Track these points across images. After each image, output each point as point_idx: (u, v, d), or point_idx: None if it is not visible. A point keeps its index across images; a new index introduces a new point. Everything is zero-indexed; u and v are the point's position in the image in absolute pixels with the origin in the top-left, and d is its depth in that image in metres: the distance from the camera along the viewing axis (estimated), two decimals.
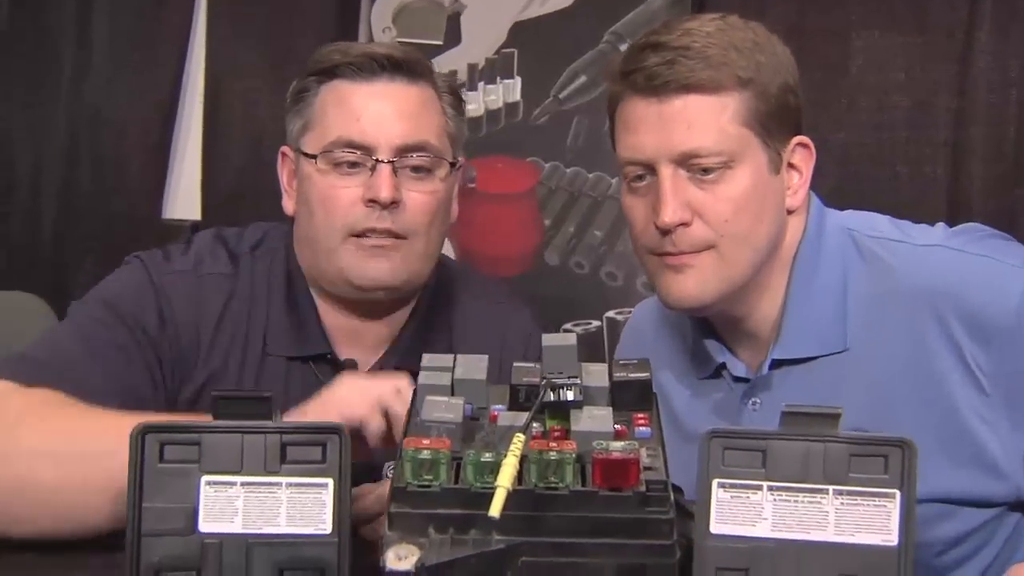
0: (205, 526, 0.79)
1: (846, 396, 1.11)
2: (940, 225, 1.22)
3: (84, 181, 3.35)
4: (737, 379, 1.21)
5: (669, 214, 1.11)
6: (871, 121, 2.64)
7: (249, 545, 0.79)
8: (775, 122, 1.14)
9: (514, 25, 2.84)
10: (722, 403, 1.22)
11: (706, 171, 1.11)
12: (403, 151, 1.25)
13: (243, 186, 3.16)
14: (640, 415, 0.82)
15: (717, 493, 0.79)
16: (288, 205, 1.33)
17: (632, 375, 0.83)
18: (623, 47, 2.59)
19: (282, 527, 0.79)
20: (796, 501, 0.79)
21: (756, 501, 0.79)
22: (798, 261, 1.18)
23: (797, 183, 1.18)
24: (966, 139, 2.56)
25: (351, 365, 1.31)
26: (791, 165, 1.18)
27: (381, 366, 1.30)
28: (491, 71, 2.87)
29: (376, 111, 1.25)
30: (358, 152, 1.24)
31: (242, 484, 0.80)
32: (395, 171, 1.24)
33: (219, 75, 3.19)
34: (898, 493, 0.78)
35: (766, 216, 1.15)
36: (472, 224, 2.67)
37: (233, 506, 0.79)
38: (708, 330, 1.23)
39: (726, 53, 1.11)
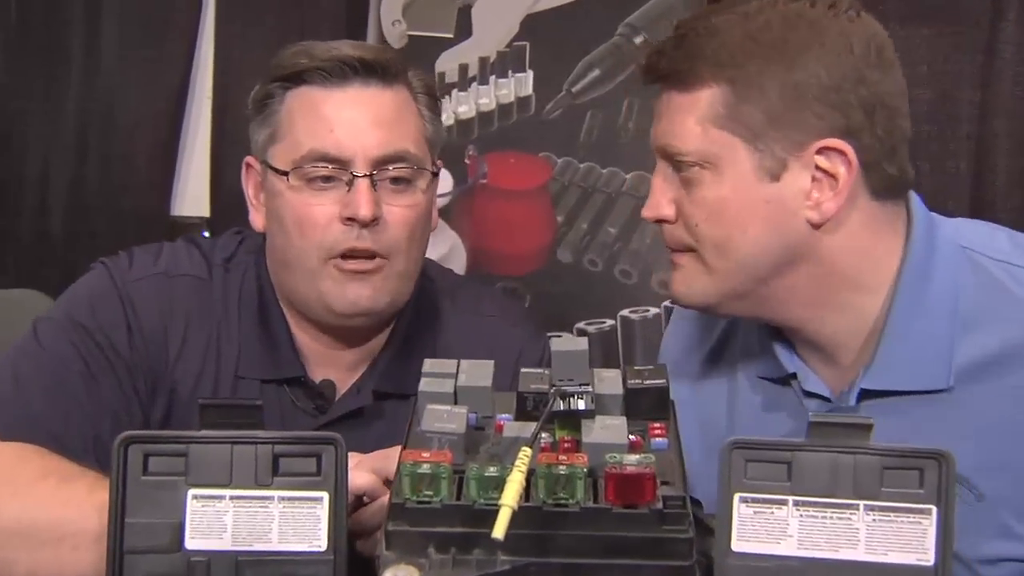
0: (192, 543, 0.76)
1: (947, 442, 1.03)
2: None
3: (93, 178, 3.36)
4: (809, 395, 1.11)
5: (648, 209, 1.10)
6: None
7: (239, 563, 0.77)
8: (774, 124, 1.02)
9: (526, 17, 2.82)
10: (787, 416, 1.13)
11: (681, 167, 1.06)
12: (381, 163, 1.18)
13: None
14: (656, 425, 0.79)
15: (739, 508, 0.76)
16: (257, 220, 1.26)
17: (648, 382, 0.80)
18: (638, 40, 2.56)
19: (274, 544, 0.77)
20: (824, 517, 0.76)
21: (781, 517, 0.76)
22: (903, 281, 1.06)
23: (824, 194, 1.04)
24: (990, 133, 2.52)
25: (328, 386, 1.25)
26: (822, 170, 1.04)
27: (359, 388, 1.25)
28: (502, 64, 2.85)
29: (350, 120, 1.18)
30: (333, 166, 1.17)
31: (231, 498, 0.77)
32: (374, 185, 1.17)
33: (228, 71, 3.20)
34: (935, 509, 0.75)
35: (753, 228, 1.05)
36: (483, 221, 2.65)
37: (222, 521, 0.77)
38: (780, 336, 1.14)
39: (719, 46, 1.03)
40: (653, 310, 2.49)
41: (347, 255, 1.17)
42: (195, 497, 0.76)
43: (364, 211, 1.15)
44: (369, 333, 1.26)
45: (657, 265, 2.59)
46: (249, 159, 1.26)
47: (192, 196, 3.27)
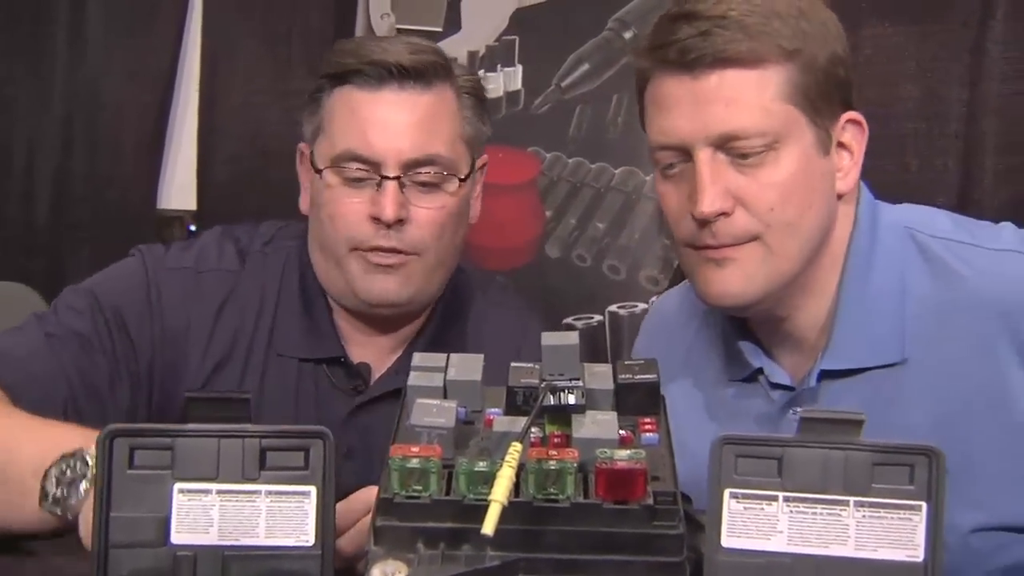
0: (178, 537, 0.75)
1: (905, 413, 1.06)
2: (1007, 225, 1.14)
3: (79, 171, 3.36)
4: (775, 386, 1.13)
5: (708, 204, 1.04)
6: (881, 112, 2.61)
7: (225, 558, 0.76)
8: (823, 97, 1.05)
9: (515, 11, 2.82)
10: (758, 410, 1.15)
11: (747, 155, 1.04)
12: (411, 166, 1.22)
13: (239, 177, 3.16)
14: (647, 420, 0.78)
15: (729, 504, 0.76)
16: (304, 203, 1.31)
17: (639, 377, 0.80)
18: (627, 35, 2.56)
19: (261, 539, 0.76)
20: (814, 513, 0.76)
21: (771, 513, 0.76)
22: (851, 258, 1.10)
23: (848, 164, 1.09)
24: (977, 131, 2.55)
25: (364, 369, 1.28)
26: (841, 144, 1.09)
27: (396, 371, 1.28)
28: (492, 59, 2.85)
29: (383, 123, 1.22)
30: (364, 167, 1.22)
31: (218, 492, 0.76)
32: (402, 187, 1.21)
33: (216, 63, 3.19)
34: (925, 505, 0.75)
35: (815, 202, 1.06)
36: None
37: (208, 516, 0.76)
38: (744, 330, 1.16)
39: (767, 22, 1.03)
40: (641, 305, 2.50)
41: (373, 250, 1.22)
42: (181, 491, 0.75)
43: (389, 212, 1.19)
44: (403, 320, 1.30)
45: (645, 261, 2.60)
46: (302, 146, 1.31)
47: (179, 188, 3.26)
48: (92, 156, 3.34)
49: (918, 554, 0.75)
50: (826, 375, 1.09)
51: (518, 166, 2.81)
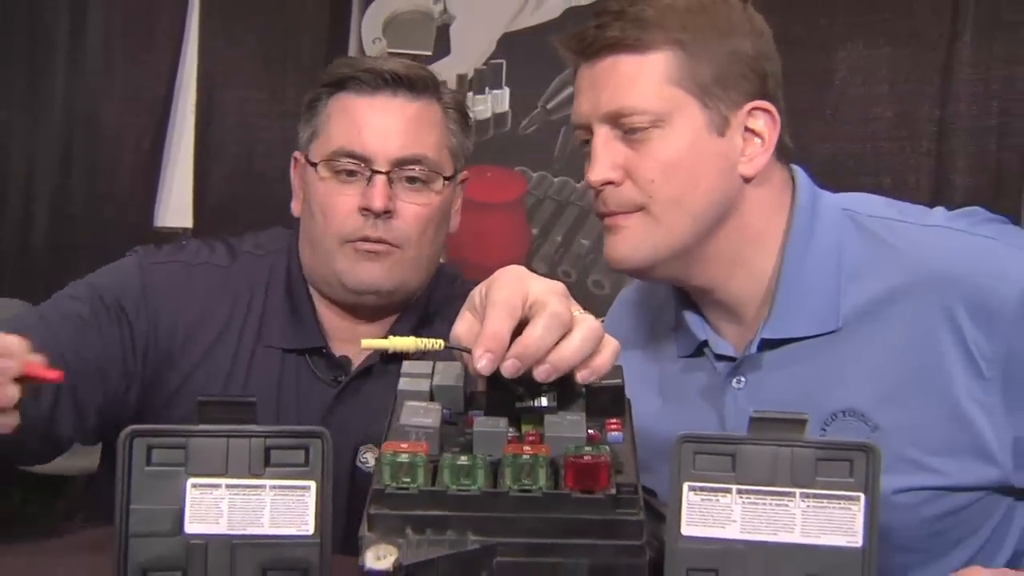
0: (191, 527, 0.81)
1: (841, 379, 1.11)
2: (939, 208, 1.20)
3: (77, 189, 3.36)
4: (720, 357, 1.19)
5: (596, 172, 1.12)
6: (855, 132, 2.67)
7: (234, 546, 0.81)
8: (718, 83, 1.12)
9: (503, 36, 2.86)
10: (704, 382, 1.21)
11: (635, 130, 1.11)
12: (399, 163, 1.29)
13: (235, 194, 3.19)
14: (612, 421, 0.83)
15: (688, 496, 0.81)
16: (295, 207, 1.38)
17: (605, 382, 0.84)
18: None
19: (266, 528, 0.81)
20: (764, 504, 0.81)
21: (726, 504, 0.81)
22: (790, 239, 1.15)
23: (756, 150, 1.15)
24: (948, 150, 2.59)
25: (345, 362, 1.34)
26: (750, 130, 1.15)
27: (370, 365, 1.33)
28: (480, 81, 2.89)
29: (376, 124, 1.29)
30: (356, 162, 1.28)
31: (227, 486, 0.81)
32: (391, 182, 1.28)
33: (211, 85, 3.21)
34: (862, 496, 0.80)
35: (704, 179, 1.12)
36: (460, 232, 2.68)
37: (218, 508, 0.81)
38: (691, 307, 1.22)
39: (661, 15, 1.11)
40: None
41: (362, 240, 1.28)
42: (194, 486, 0.80)
43: (378, 203, 1.26)
44: (383, 312, 1.35)
45: (629, 276, 2.65)
46: (296, 154, 1.38)
47: (175, 207, 3.29)
48: (90, 176, 3.36)
49: (857, 540, 0.79)
50: (767, 344, 1.15)
51: (505, 185, 2.86)
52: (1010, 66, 2.54)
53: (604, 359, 0.84)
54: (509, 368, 0.80)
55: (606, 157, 1.13)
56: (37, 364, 0.85)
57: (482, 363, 0.80)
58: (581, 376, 0.82)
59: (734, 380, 1.17)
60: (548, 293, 0.83)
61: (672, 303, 1.26)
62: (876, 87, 2.66)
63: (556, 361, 0.81)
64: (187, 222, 3.25)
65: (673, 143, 1.11)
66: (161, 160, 3.29)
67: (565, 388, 0.83)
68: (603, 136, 1.13)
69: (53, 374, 0.87)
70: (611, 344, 0.85)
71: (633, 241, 1.14)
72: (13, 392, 0.82)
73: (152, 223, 3.29)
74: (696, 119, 1.12)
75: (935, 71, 2.61)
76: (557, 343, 0.81)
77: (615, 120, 1.12)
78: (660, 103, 1.11)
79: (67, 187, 3.38)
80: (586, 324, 0.83)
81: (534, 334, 0.80)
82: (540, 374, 0.81)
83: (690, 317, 1.21)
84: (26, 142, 3.39)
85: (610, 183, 1.13)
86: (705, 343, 1.20)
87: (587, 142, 1.16)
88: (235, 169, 3.19)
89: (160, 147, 3.27)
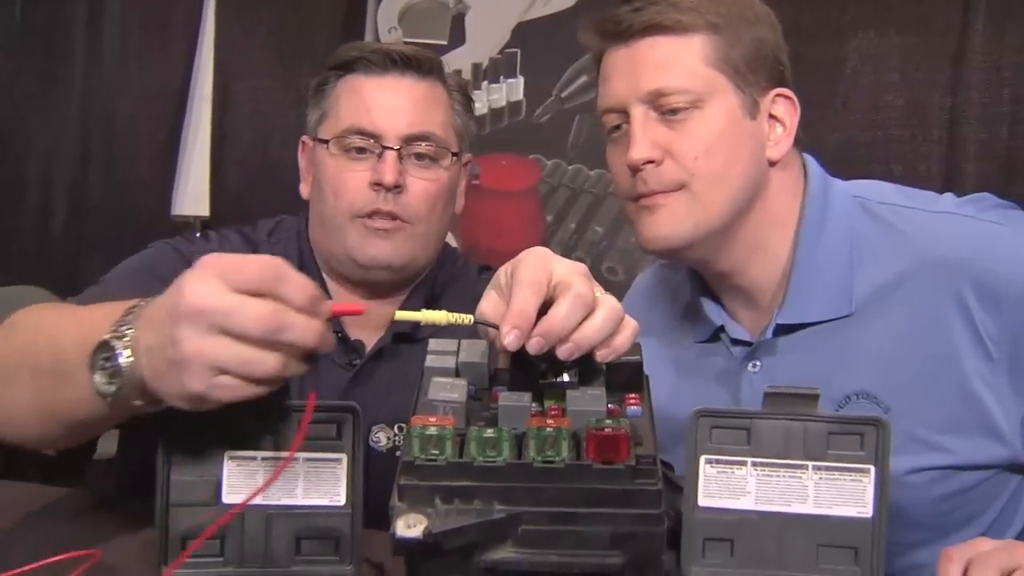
0: (228, 498, 0.84)
1: (853, 362, 1.13)
2: (948, 194, 1.22)
3: (94, 180, 3.40)
4: (736, 342, 1.22)
5: (637, 151, 1.13)
6: (866, 120, 2.69)
7: (269, 515, 0.84)
8: (749, 68, 1.15)
9: (517, 26, 2.87)
10: (720, 367, 1.23)
11: (675, 111, 1.13)
12: (409, 140, 1.31)
13: (251, 183, 3.22)
14: (632, 396, 0.85)
15: (704, 469, 0.84)
16: (304, 189, 1.40)
17: (624, 359, 0.86)
18: None
19: (299, 499, 0.84)
20: (778, 476, 0.83)
21: (741, 476, 0.83)
22: (804, 224, 1.18)
23: (780, 135, 1.18)
24: (959, 138, 2.61)
25: (359, 346, 1.36)
26: (773, 117, 1.18)
27: (380, 348, 1.36)
28: (495, 70, 2.90)
29: (385, 102, 1.32)
30: (367, 139, 1.31)
31: (262, 459, 0.84)
32: (400, 158, 1.31)
33: (228, 75, 3.23)
34: (873, 469, 0.82)
35: (740, 158, 1.15)
36: (476, 220, 2.71)
37: (254, 479, 0.84)
38: (708, 294, 1.24)
39: (695, 1, 1.14)
40: None
41: (372, 215, 1.30)
42: (231, 458, 0.84)
43: (389, 177, 1.29)
44: (393, 290, 1.37)
45: (642, 262, 2.65)
46: (304, 138, 1.41)
47: (192, 196, 3.30)
48: (107, 166, 3.39)
49: (867, 511, 0.82)
50: (782, 329, 1.17)
51: (520, 173, 2.87)
52: (1022, 53, 2.56)
53: (624, 338, 0.85)
54: (534, 345, 0.81)
55: (646, 136, 1.14)
56: (339, 304, 0.85)
57: (509, 339, 0.81)
58: (601, 355, 0.84)
59: (750, 364, 1.20)
60: (572, 274, 0.84)
61: (688, 290, 1.28)
62: (887, 75, 2.68)
63: (579, 340, 0.82)
64: (204, 211, 3.27)
65: (712, 123, 1.14)
66: (178, 150, 3.30)
67: (586, 364, 0.85)
68: (641, 116, 1.14)
69: (357, 308, 0.86)
70: (630, 324, 0.86)
71: (676, 219, 1.15)
72: (330, 337, 0.82)
73: (169, 212, 3.32)
74: (731, 101, 1.15)
75: (946, 59, 2.62)
76: (580, 323, 0.83)
77: (654, 100, 1.14)
78: (699, 83, 1.13)
79: (85, 177, 3.42)
80: (608, 305, 0.84)
81: (559, 314, 0.82)
82: (563, 352, 0.82)
83: (706, 303, 1.24)
84: (44, 134, 3.43)
85: (651, 162, 1.14)
86: (721, 328, 1.23)
87: (617, 127, 1.18)
88: (251, 159, 3.22)
89: (176, 138, 3.29)
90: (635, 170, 1.15)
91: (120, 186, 3.38)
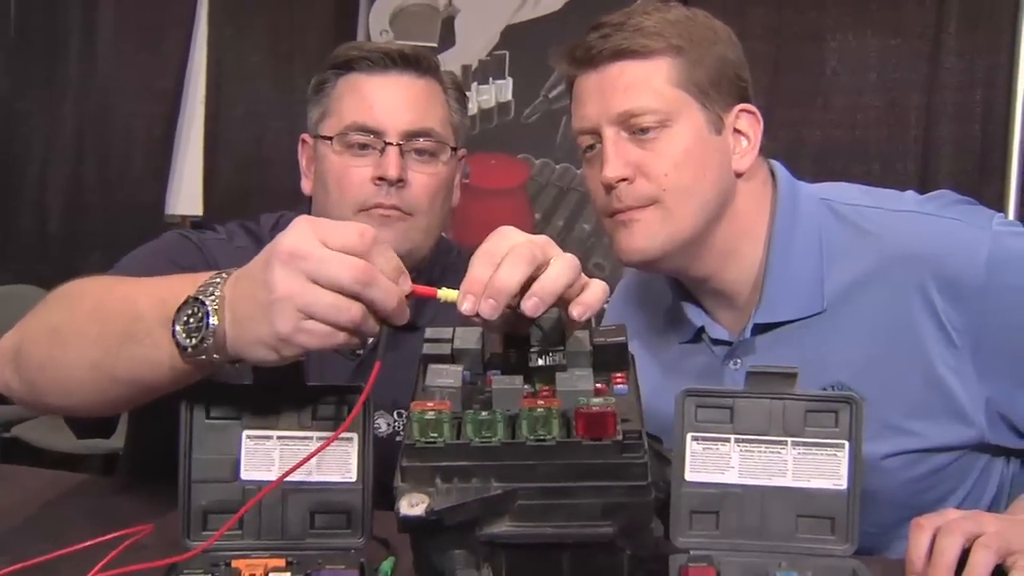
0: (246, 474, 0.88)
1: (828, 356, 1.19)
2: (910, 192, 1.27)
3: (90, 179, 3.41)
4: (716, 342, 1.27)
5: (610, 170, 1.18)
6: (846, 120, 2.74)
7: (285, 491, 0.87)
8: (713, 87, 1.20)
9: (506, 28, 2.90)
10: (703, 366, 1.28)
11: (644, 130, 1.18)
12: (410, 136, 1.35)
13: (244, 183, 3.24)
14: (618, 375, 0.87)
15: (691, 445, 0.88)
16: (306, 186, 1.44)
17: (610, 339, 0.89)
18: None
19: (313, 475, 0.87)
20: (760, 451, 0.88)
21: (725, 452, 0.88)
22: (775, 229, 1.23)
23: (745, 148, 1.23)
24: (935, 137, 2.66)
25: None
26: (737, 131, 1.23)
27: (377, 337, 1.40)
28: (484, 72, 2.92)
29: (387, 99, 1.36)
30: (370, 135, 1.35)
31: (278, 438, 0.88)
32: (402, 153, 1.34)
33: (221, 75, 3.26)
34: (847, 444, 0.87)
35: (708, 172, 1.20)
36: (465, 218, 2.73)
37: (271, 457, 0.88)
38: (687, 297, 1.30)
39: (659, 25, 1.19)
40: None
41: (375, 208, 1.33)
42: (249, 437, 0.88)
43: (392, 171, 1.32)
44: None
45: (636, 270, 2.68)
46: (304, 136, 1.44)
47: (186, 195, 3.34)
48: (103, 165, 3.40)
49: (842, 483, 0.87)
50: (759, 328, 1.23)
51: (509, 172, 2.90)
52: (993, 54, 2.61)
53: (594, 295, 0.87)
54: (486, 309, 0.83)
55: (618, 156, 1.19)
56: (418, 285, 0.87)
57: (465, 306, 0.84)
58: (576, 312, 0.85)
59: (731, 363, 1.25)
60: (526, 242, 0.86)
61: (669, 294, 1.33)
62: (865, 76, 2.73)
63: (539, 292, 0.83)
64: (197, 210, 3.29)
65: (680, 140, 1.19)
66: (172, 150, 3.32)
67: (573, 346, 0.89)
68: (613, 136, 1.19)
69: (431, 292, 0.87)
70: (598, 283, 0.89)
71: (650, 232, 1.20)
72: (406, 310, 0.84)
73: (163, 211, 3.34)
74: (697, 118, 1.20)
75: (922, 60, 2.67)
76: (538, 278, 0.84)
77: (625, 121, 1.19)
78: (666, 103, 1.19)
79: (80, 176, 3.43)
80: (563, 257, 0.85)
81: (500, 271, 0.83)
82: (529, 308, 0.83)
83: (687, 306, 1.29)
84: (40, 133, 3.44)
85: (624, 180, 1.19)
86: (702, 329, 1.28)
87: (591, 147, 1.23)
88: (244, 158, 3.24)
89: (171, 137, 3.31)
90: (609, 188, 1.20)
91: (115, 186, 3.39)
